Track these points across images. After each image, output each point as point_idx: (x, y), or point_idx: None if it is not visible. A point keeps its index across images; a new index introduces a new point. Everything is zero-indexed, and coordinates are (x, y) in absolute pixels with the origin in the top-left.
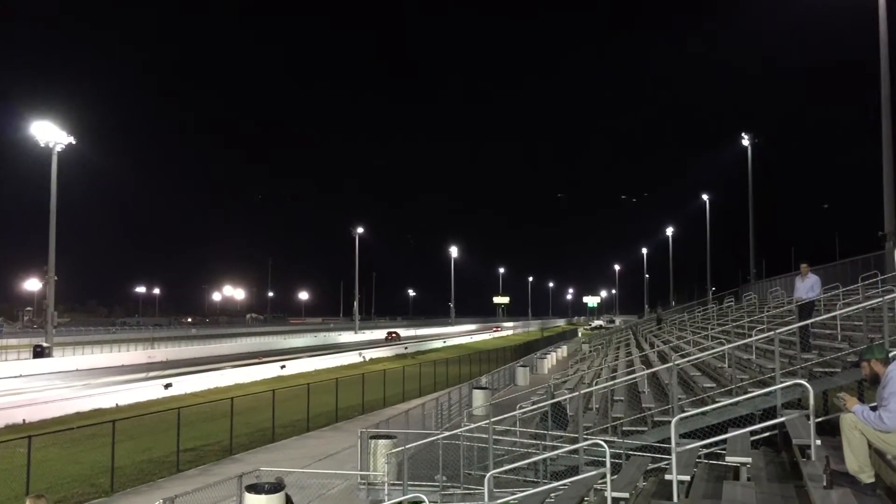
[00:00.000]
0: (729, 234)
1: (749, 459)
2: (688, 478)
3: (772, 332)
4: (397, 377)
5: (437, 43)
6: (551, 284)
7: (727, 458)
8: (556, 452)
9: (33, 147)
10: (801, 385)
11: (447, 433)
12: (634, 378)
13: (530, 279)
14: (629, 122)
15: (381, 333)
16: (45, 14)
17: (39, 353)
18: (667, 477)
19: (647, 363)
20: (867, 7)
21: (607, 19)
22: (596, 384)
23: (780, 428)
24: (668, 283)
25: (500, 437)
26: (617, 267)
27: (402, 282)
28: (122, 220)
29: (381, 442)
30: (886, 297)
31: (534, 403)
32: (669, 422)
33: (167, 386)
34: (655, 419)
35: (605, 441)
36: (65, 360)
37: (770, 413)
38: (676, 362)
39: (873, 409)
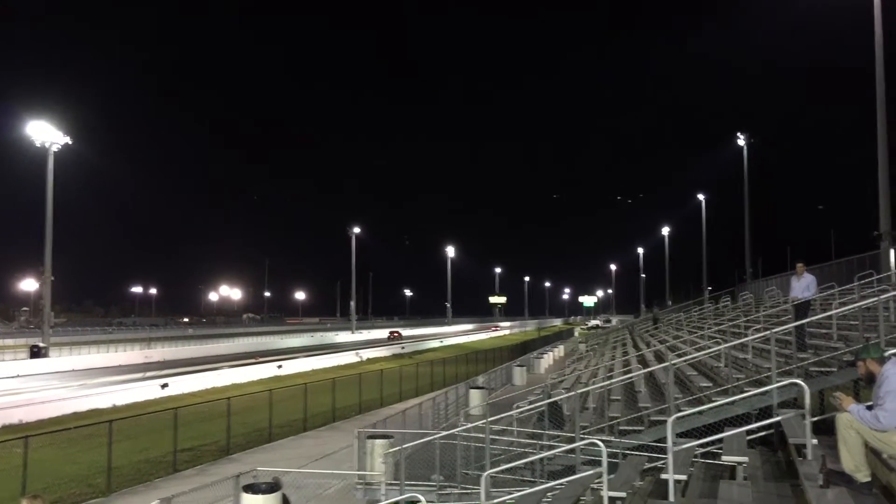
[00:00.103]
0: (725, 233)
1: (745, 459)
2: (684, 477)
3: (768, 332)
4: (394, 377)
5: (437, 43)
6: (548, 284)
7: (723, 458)
8: (552, 452)
9: (30, 147)
10: (797, 384)
11: (444, 433)
12: (631, 377)
13: (527, 279)
14: (629, 122)
15: (377, 333)
16: (45, 14)
17: (36, 353)
18: (663, 476)
19: (644, 363)
20: (866, 7)
21: (607, 19)
22: (592, 384)
23: (777, 427)
24: (665, 282)
25: (497, 437)
26: (613, 267)
27: (399, 282)
28: (119, 220)
29: (378, 442)
30: (882, 297)
31: (530, 403)
32: (666, 421)
33: (164, 386)
34: (652, 418)
35: (602, 440)
36: (61, 360)
37: (766, 412)
38: (673, 362)
39: (869, 408)
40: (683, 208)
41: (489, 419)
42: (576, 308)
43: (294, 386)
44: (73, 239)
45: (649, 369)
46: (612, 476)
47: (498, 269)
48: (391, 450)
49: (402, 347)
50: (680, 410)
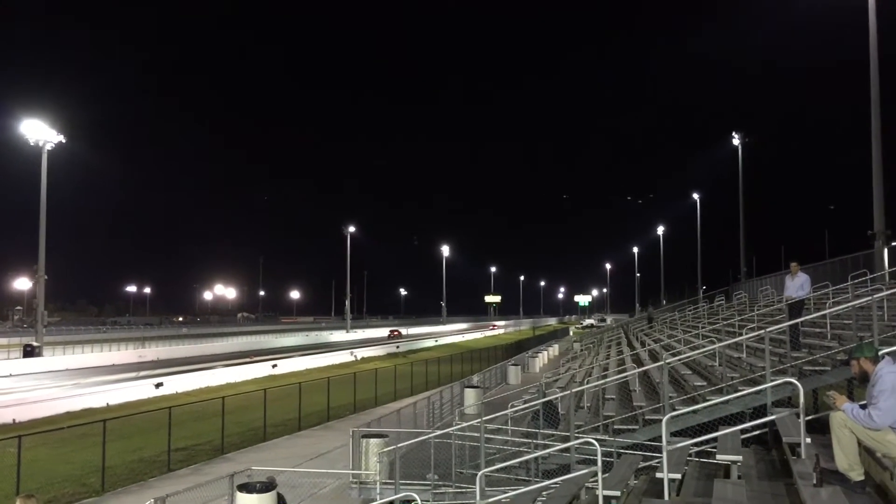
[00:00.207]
0: (720, 233)
1: (739, 457)
2: (679, 476)
3: (762, 331)
4: (389, 376)
5: (437, 43)
6: (542, 283)
7: (718, 457)
8: (547, 451)
9: (24, 145)
10: (791, 383)
11: (439, 432)
12: (625, 377)
13: (521, 278)
14: (629, 122)
15: (372, 332)
16: (45, 14)
17: (29, 352)
18: (658, 475)
19: (639, 362)
20: (866, 7)
21: (607, 19)
22: (587, 383)
23: (771, 426)
24: (660, 282)
25: (492, 436)
26: (608, 266)
27: (393, 281)
28: (114, 219)
29: (373, 441)
30: (875, 296)
31: (525, 402)
32: (660, 420)
33: (158, 385)
34: (646, 417)
35: (597, 439)
36: (55, 359)
37: (760, 411)
38: (667, 361)
39: (863, 407)
40: (679, 208)
41: (484, 418)
42: (571, 307)
43: (288, 385)
44: (66, 238)
45: (644, 368)
46: (606, 475)
47: (493, 269)
48: (386, 449)
49: (397, 347)
50: (674, 409)
